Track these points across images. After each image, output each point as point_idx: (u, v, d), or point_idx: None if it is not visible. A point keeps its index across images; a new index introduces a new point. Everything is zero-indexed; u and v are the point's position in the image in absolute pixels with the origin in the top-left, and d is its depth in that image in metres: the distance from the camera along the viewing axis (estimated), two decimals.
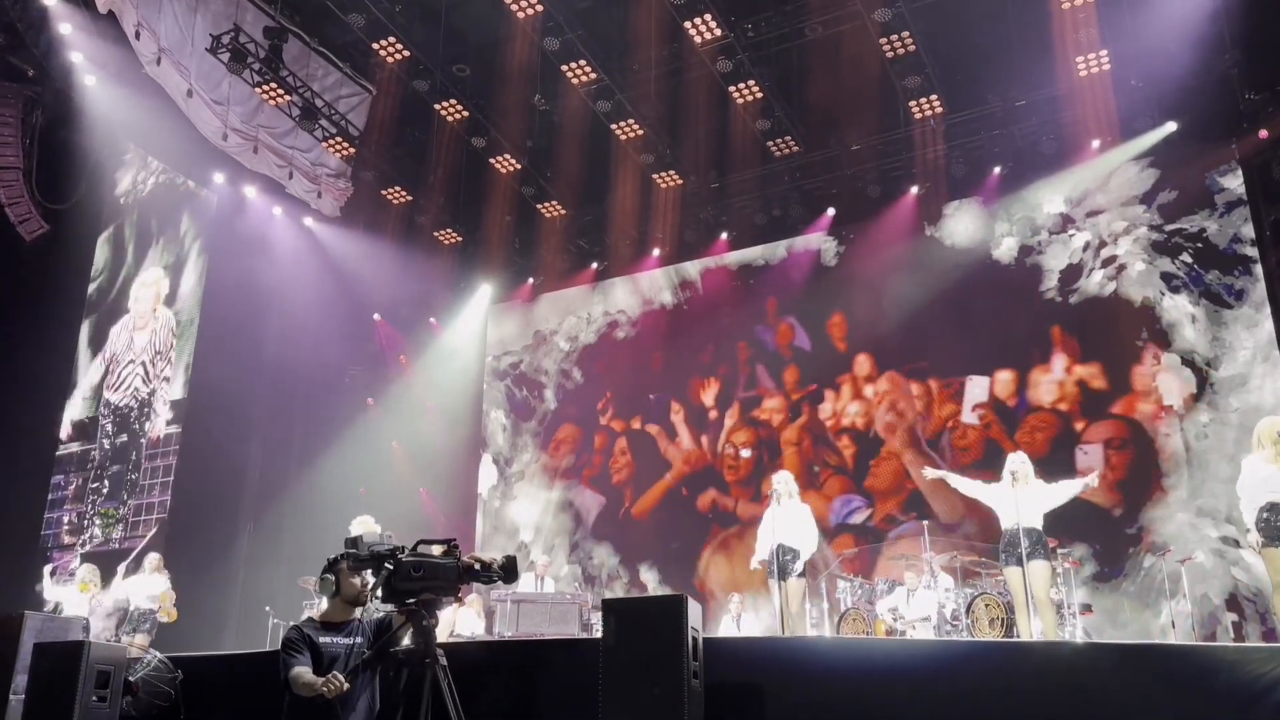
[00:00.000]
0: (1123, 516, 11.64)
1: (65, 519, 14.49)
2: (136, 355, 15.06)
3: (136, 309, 15.33)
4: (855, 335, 13.86)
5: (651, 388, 15.22)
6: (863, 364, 13.64)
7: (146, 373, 14.82)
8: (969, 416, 12.78)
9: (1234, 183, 11.95)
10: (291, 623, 9.93)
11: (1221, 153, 12.03)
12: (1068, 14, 11.21)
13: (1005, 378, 12.71)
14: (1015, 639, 7.86)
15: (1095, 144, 12.35)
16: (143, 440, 14.38)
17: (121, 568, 10.54)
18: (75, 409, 15.26)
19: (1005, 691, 5.11)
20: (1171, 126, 12.11)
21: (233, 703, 6.10)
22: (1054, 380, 12.46)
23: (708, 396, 14.74)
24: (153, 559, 10.66)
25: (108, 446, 14.66)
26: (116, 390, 15.02)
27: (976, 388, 12.77)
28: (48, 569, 11.27)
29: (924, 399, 13.14)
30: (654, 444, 14.91)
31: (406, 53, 12.35)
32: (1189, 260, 12.04)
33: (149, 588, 10.46)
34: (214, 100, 12.01)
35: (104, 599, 10.49)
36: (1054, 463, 11.07)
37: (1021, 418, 12.51)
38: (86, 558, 13.07)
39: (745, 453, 13.87)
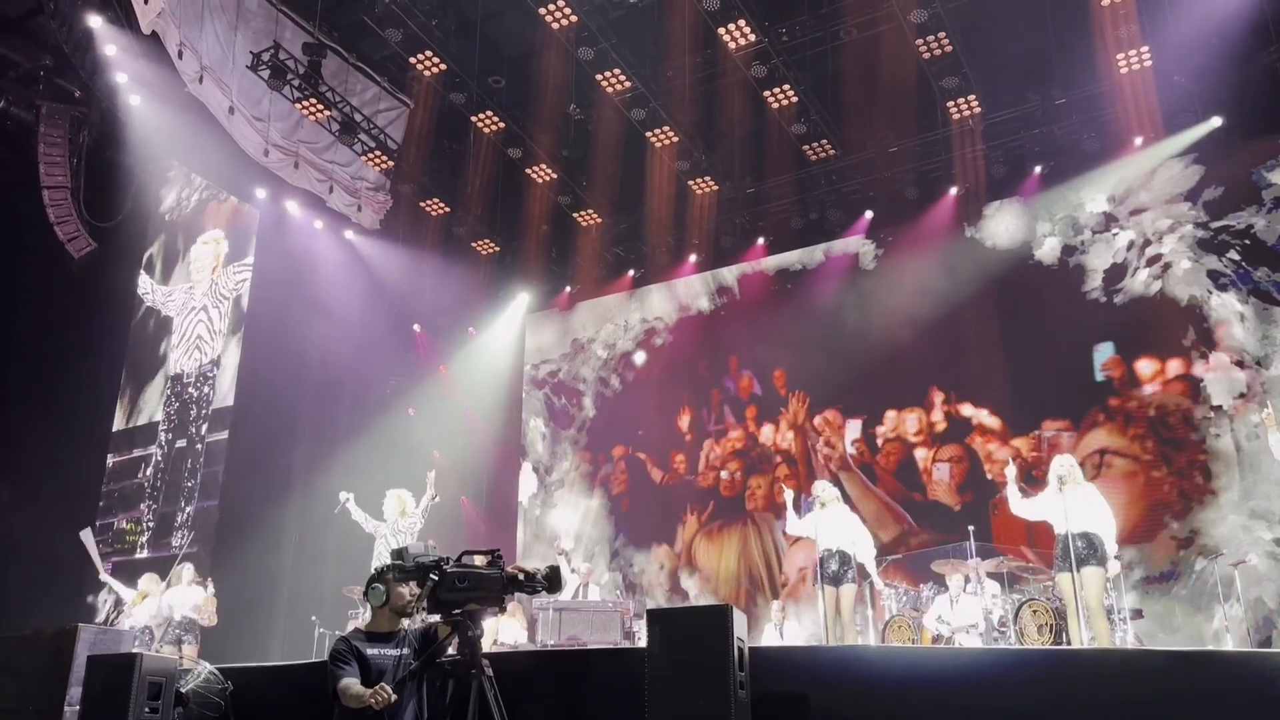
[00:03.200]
0: (1170, 519, 11.49)
1: (113, 527, 14.74)
2: (182, 365, 15.31)
3: (195, 270, 15.60)
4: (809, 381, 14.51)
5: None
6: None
7: (191, 382, 15.06)
8: (851, 448, 13.94)
9: None
10: (338, 633, 9.99)
11: (1268, 147, 11.78)
12: (1107, 11, 11.04)
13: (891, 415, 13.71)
14: (1064, 646, 7.74)
15: (1138, 141, 12.13)
16: (187, 449, 14.59)
17: (170, 576, 10.63)
18: (121, 421, 15.52)
19: (1055, 701, 5.04)
20: (1216, 121, 11.89)
21: (282, 713, 6.16)
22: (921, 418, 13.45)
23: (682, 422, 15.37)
24: (188, 570, 10.77)
25: (160, 457, 14.89)
26: (164, 401, 15.26)
27: (853, 429, 13.97)
28: (106, 570, 11.44)
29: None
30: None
31: (443, 66, 12.46)
32: (1236, 257, 11.81)
33: (190, 598, 10.57)
34: (255, 117, 12.18)
35: (138, 610, 10.60)
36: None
37: (881, 445, 13.74)
38: (124, 567, 13.28)
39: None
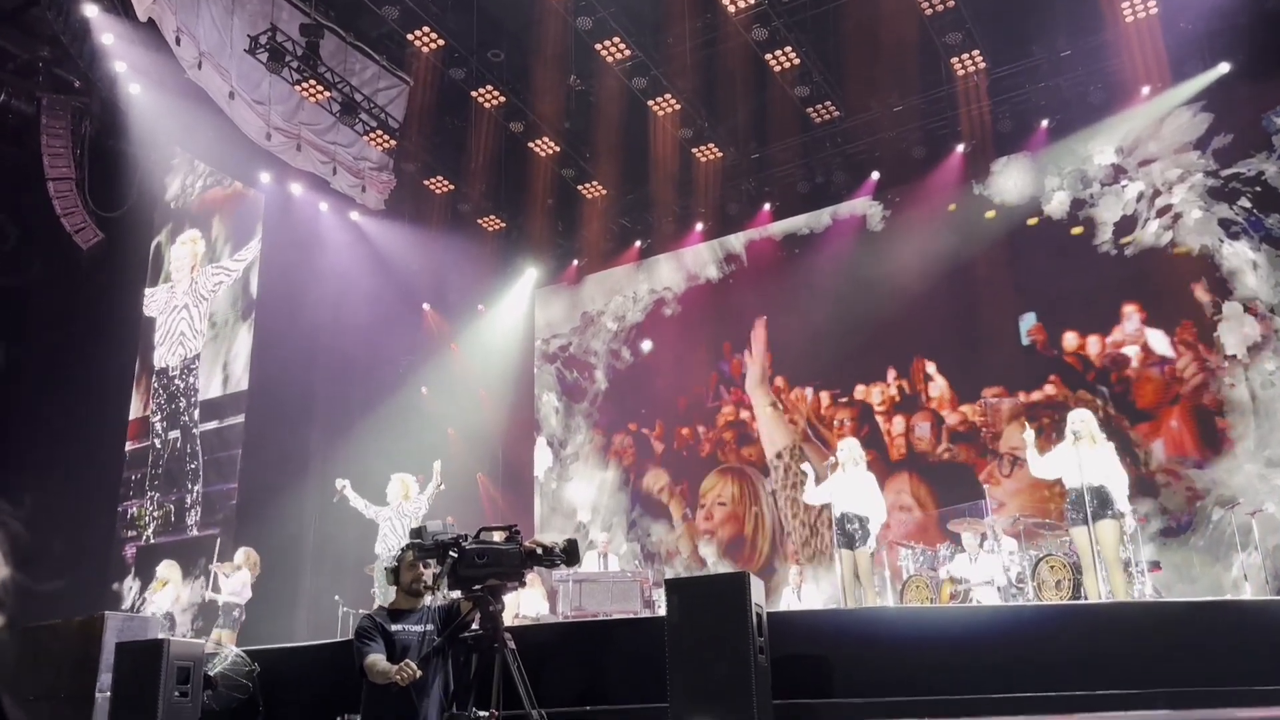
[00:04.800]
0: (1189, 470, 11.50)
1: (128, 513, 14.90)
2: (166, 360, 15.42)
3: (175, 269, 15.68)
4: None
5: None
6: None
7: (176, 375, 15.19)
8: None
9: None
10: (362, 611, 10.08)
11: (1277, 92, 11.64)
12: None
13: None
14: (1082, 600, 7.78)
15: (1145, 90, 12.01)
16: (183, 438, 14.72)
17: (202, 562, 10.77)
18: (139, 409, 15.64)
19: (1075, 654, 5.07)
20: (1224, 68, 11.74)
21: (310, 692, 6.25)
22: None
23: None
24: (240, 554, 10.88)
25: (160, 446, 15.02)
26: (153, 394, 15.38)
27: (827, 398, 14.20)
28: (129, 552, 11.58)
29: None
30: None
31: (441, 41, 12.38)
32: (1248, 205, 11.70)
33: (241, 582, 10.68)
34: (255, 100, 12.13)
35: (160, 598, 10.73)
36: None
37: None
38: (146, 552, 13.42)
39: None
